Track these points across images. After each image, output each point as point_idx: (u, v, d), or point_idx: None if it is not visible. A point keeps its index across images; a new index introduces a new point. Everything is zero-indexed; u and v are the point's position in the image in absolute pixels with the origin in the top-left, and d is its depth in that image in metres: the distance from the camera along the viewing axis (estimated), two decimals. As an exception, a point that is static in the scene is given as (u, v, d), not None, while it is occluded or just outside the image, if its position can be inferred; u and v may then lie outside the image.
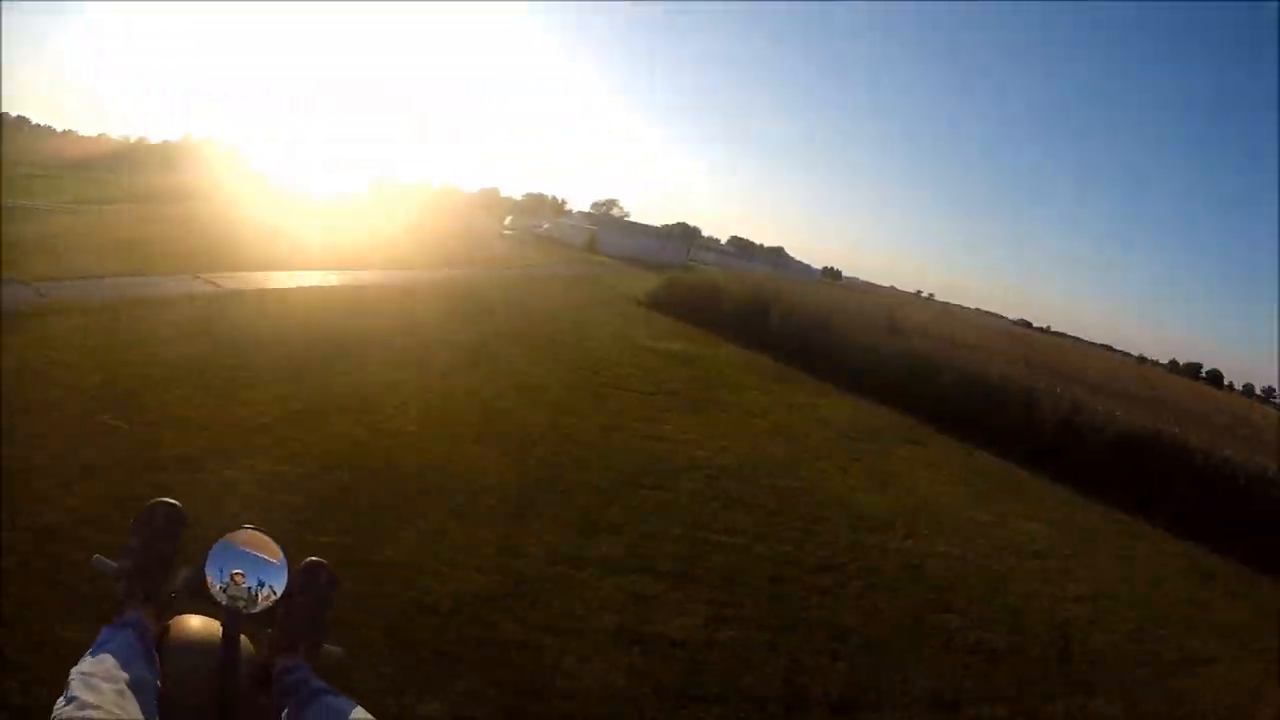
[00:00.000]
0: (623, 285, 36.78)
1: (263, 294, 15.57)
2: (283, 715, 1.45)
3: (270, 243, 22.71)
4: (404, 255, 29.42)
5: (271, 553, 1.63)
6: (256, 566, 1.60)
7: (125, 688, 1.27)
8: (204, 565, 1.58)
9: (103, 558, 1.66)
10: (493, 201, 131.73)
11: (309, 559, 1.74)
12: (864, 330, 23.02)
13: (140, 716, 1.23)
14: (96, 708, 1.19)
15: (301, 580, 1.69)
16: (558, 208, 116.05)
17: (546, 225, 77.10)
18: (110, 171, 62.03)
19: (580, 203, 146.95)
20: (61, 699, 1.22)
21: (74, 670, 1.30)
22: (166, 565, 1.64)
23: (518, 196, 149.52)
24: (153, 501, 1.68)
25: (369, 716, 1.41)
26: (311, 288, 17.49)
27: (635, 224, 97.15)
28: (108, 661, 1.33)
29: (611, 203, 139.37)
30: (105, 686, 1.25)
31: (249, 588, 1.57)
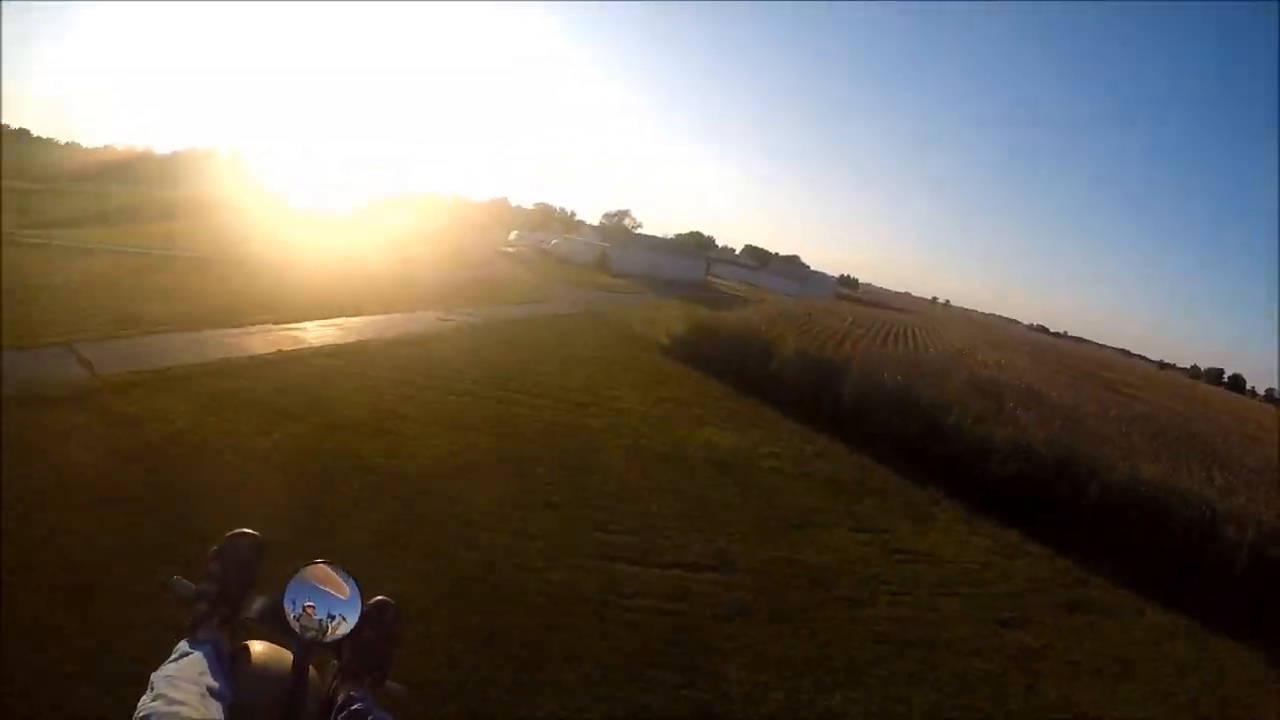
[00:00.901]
0: (639, 322, 31.31)
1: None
2: None
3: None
4: (372, 293, 24.17)
5: (341, 588, 1.69)
6: (329, 600, 1.67)
7: (206, 692, 1.38)
8: (281, 595, 1.66)
9: (181, 579, 1.79)
10: (502, 212, 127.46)
11: (378, 597, 1.85)
12: (958, 405, 17.31)
13: (220, 717, 1.32)
14: (184, 704, 1.30)
15: (371, 617, 1.78)
16: (567, 221, 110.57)
17: (555, 241, 71.56)
18: (120, 184, 59.23)
19: (590, 213, 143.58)
20: (146, 697, 1.32)
21: (156, 673, 1.42)
22: (245, 592, 1.75)
23: (528, 206, 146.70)
24: (237, 531, 1.81)
25: None
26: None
27: (648, 237, 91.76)
28: (190, 667, 1.46)
29: (623, 213, 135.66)
30: (189, 687, 1.36)
31: (320, 620, 1.66)
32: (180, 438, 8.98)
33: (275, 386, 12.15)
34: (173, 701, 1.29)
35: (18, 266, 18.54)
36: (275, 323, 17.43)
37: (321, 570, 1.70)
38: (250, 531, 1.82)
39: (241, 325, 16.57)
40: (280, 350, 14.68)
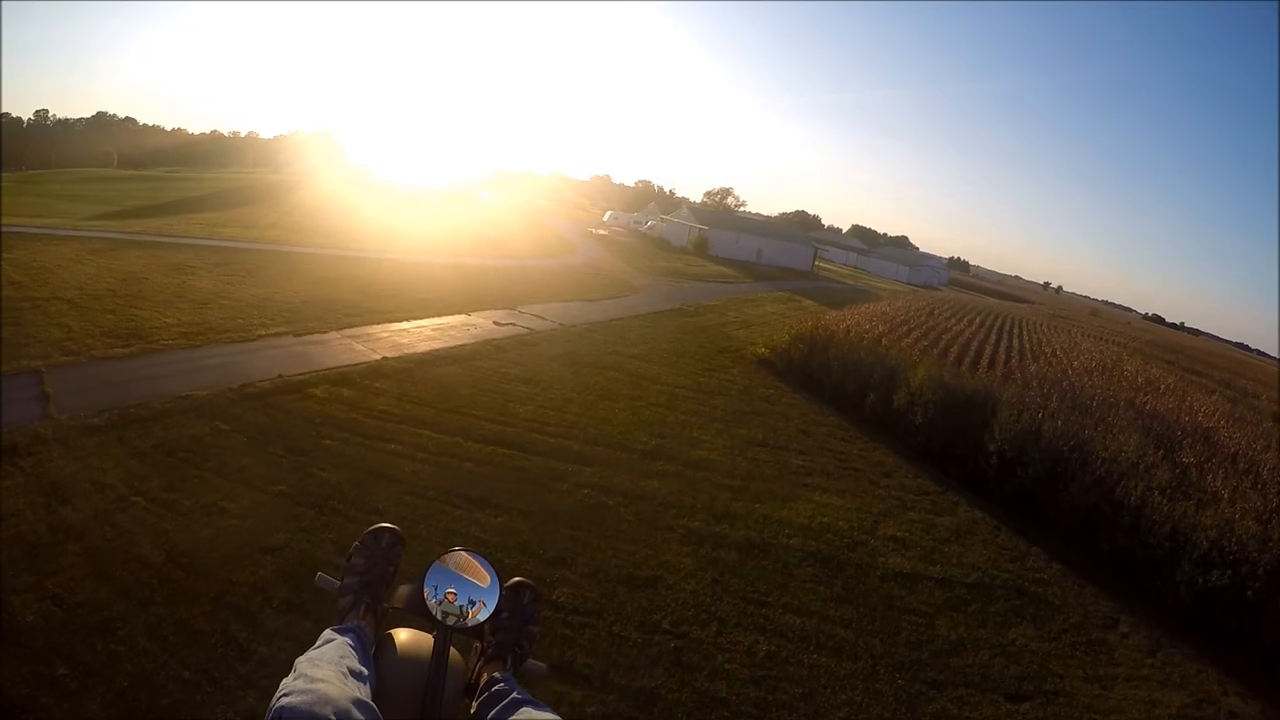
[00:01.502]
0: (736, 323, 27.94)
1: None
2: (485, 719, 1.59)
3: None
4: (436, 289, 21.69)
5: (481, 575, 1.74)
6: (468, 587, 1.72)
7: (348, 672, 1.42)
8: (421, 583, 1.71)
9: (326, 575, 1.87)
10: (604, 189, 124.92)
11: (515, 579, 1.93)
12: (1137, 463, 13.39)
13: (363, 697, 1.34)
14: (325, 681, 1.33)
15: (508, 599, 1.84)
16: (666, 200, 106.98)
17: (651, 222, 68.25)
18: (219, 167, 60.56)
19: (693, 189, 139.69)
20: (288, 678, 1.35)
21: (299, 659, 1.45)
22: (386, 582, 1.86)
23: (630, 183, 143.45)
24: (377, 525, 1.91)
25: None
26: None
27: (750, 218, 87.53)
28: (331, 650, 1.51)
29: (725, 191, 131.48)
30: (330, 668, 1.40)
31: (460, 605, 1.70)
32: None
33: (253, 430, 9.46)
34: (314, 680, 1.32)
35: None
36: (295, 334, 14.97)
37: (461, 557, 1.75)
38: (389, 525, 1.91)
39: (252, 338, 14.16)
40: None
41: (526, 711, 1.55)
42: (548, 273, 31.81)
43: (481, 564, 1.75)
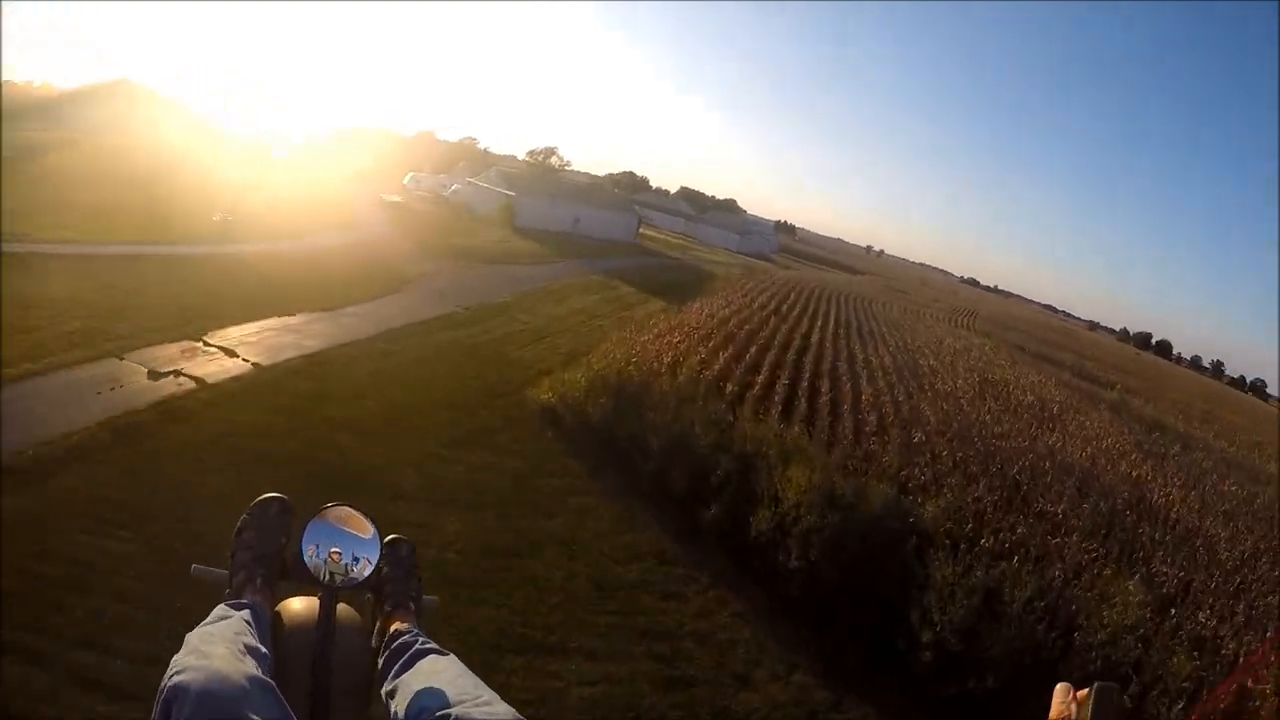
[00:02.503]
0: (528, 336, 21.51)
1: None
2: (388, 675, 1.55)
3: None
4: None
5: (361, 526, 1.68)
6: (351, 542, 1.66)
7: (244, 649, 1.34)
8: (300, 544, 1.65)
9: (202, 566, 1.78)
10: (428, 147, 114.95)
11: (390, 536, 1.84)
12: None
13: (260, 674, 1.26)
14: (219, 657, 1.26)
15: (388, 556, 1.79)
16: (480, 159, 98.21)
17: (455, 187, 60.02)
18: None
19: (519, 147, 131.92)
20: (179, 654, 1.28)
21: (190, 634, 1.37)
22: (279, 554, 1.74)
23: (455, 140, 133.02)
24: (264, 496, 1.81)
25: (467, 673, 1.50)
26: None
27: (572, 180, 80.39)
28: (225, 627, 1.43)
29: (549, 151, 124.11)
30: (223, 644, 1.32)
31: (346, 564, 1.64)
32: None
33: None
34: (206, 656, 1.27)
35: None
36: None
37: (342, 510, 1.70)
38: (278, 494, 1.83)
39: None
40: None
41: (431, 660, 1.55)
42: (296, 263, 23.97)
43: (359, 516, 1.69)
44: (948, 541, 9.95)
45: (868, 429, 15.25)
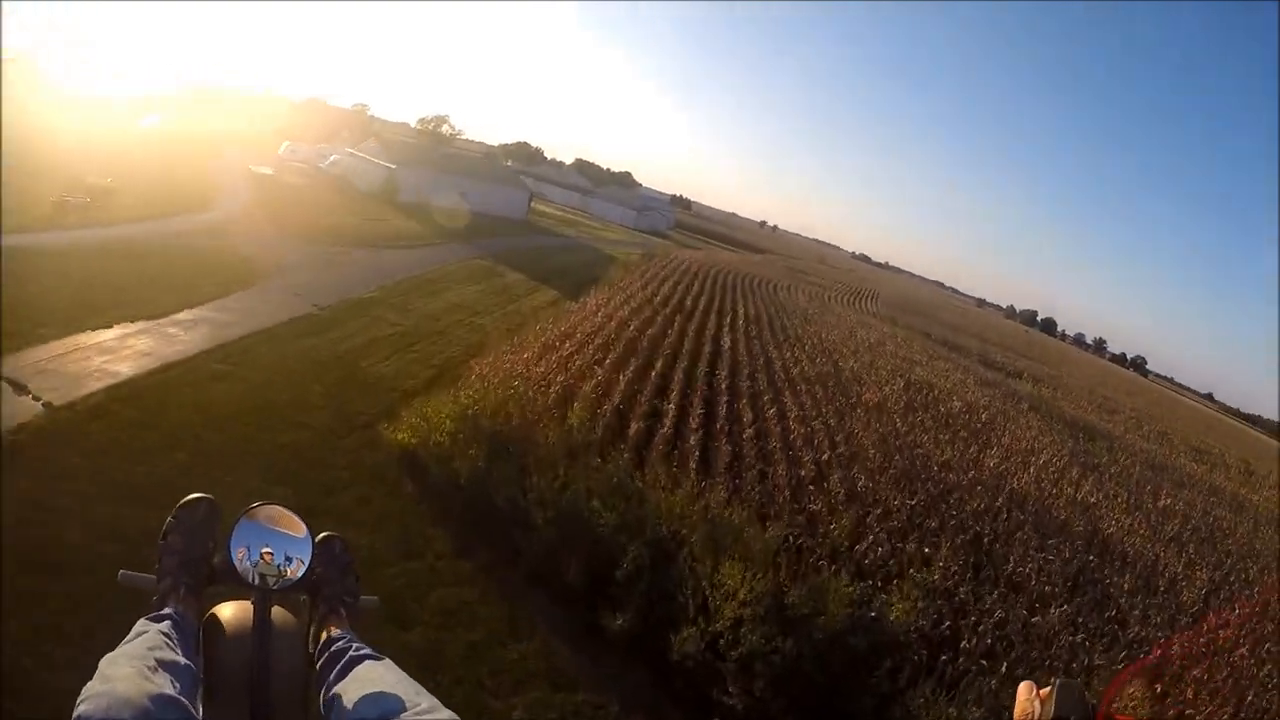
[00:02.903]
0: (398, 352, 18.76)
1: None
2: (324, 680, 1.53)
3: None
4: None
5: (293, 525, 1.64)
6: (282, 542, 1.62)
7: (157, 665, 1.29)
8: (229, 546, 1.60)
9: (130, 571, 1.68)
10: (317, 113, 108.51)
11: (321, 534, 1.77)
12: None
13: (169, 691, 1.22)
14: (122, 679, 1.21)
15: (320, 555, 1.72)
16: (364, 125, 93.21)
17: (334, 158, 56.04)
18: None
19: (415, 115, 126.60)
20: (90, 682, 1.23)
21: (103, 658, 1.31)
22: (207, 559, 1.69)
23: (347, 106, 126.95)
24: (190, 498, 1.74)
25: (404, 677, 1.47)
26: None
27: (457, 152, 76.73)
28: (138, 644, 1.36)
29: (440, 119, 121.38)
30: (129, 664, 1.27)
31: (278, 565, 1.60)
32: None
33: None
34: (108, 679, 1.22)
35: None
36: None
37: (268, 510, 1.65)
38: (204, 495, 1.77)
39: None
40: None
41: (366, 666, 1.52)
42: (132, 256, 20.60)
43: (290, 514, 1.65)
44: (924, 653, 8.26)
45: (804, 475, 13.46)
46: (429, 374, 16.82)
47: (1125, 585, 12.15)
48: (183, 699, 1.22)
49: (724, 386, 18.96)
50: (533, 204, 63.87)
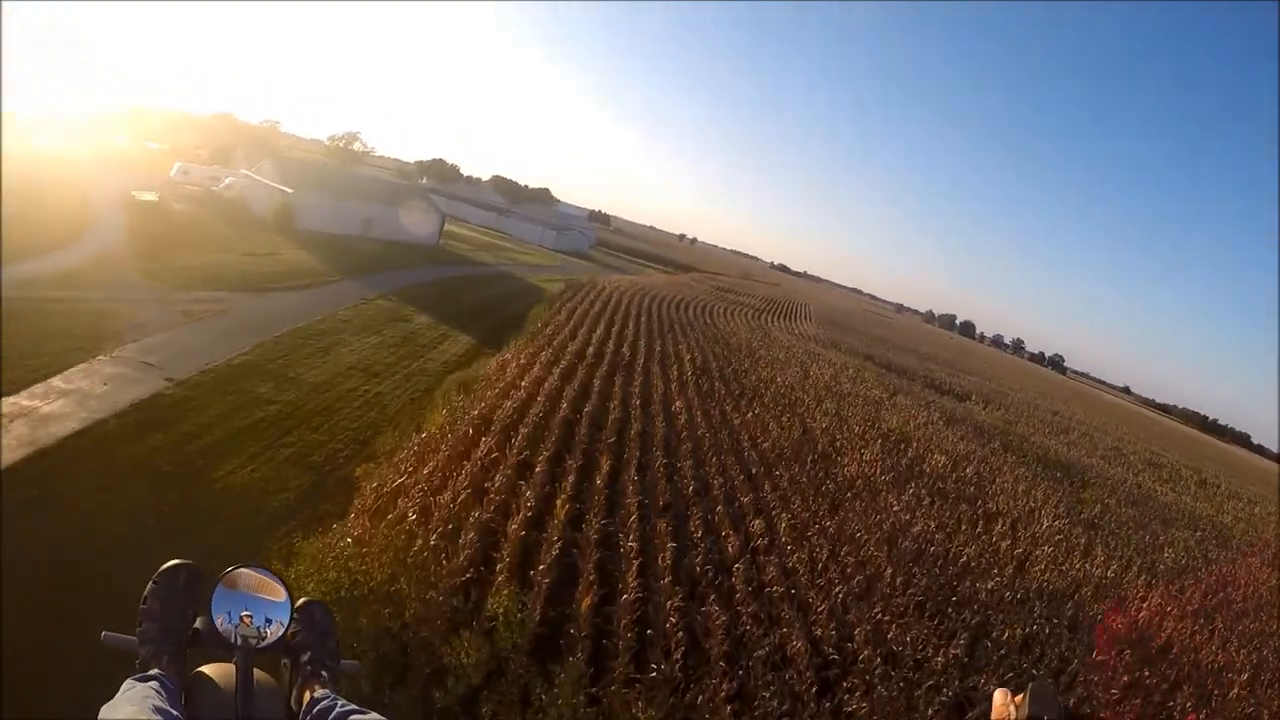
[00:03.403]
0: (257, 467, 15.40)
1: None
2: None
3: None
4: None
5: (272, 590, 1.68)
6: (261, 605, 1.65)
7: (153, 711, 1.32)
8: (210, 610, 1.63)
9: (113, 632, 1.67)
10: (226, 130, 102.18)
11: (301, 599, 1.80)
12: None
13: None
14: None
15: (300, 620, 1.76)
16: (271, 145, 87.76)
17: (229, 179, 51.41)
18: None
19: (325, 131, 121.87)
20: None
21: (103, 708, 1.33)
22: (187, 624, 1.67)
23: (314, 136, 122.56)
24: (172, 564, 1.71)
25: None
26: None
27: (363, 174, 72.41)
28: (135, 693, 1.40)
29: (351, 136, 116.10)
30: (131, 708, 1.32)
31: (258, 627, 1.64)
32: None
33: None
34: None
35: None
36: None
37: (249, 575, 1.68)
38: (185, 561, 1.73)
39: None
40: None
41: None
42: None
43: (269, 578, 1.69)
44: None
45: (821, 635, 10.54)
46: (305, 482, 13.57)
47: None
48: None
49: (691, 491, 15.68)
50: (446, 227, 60.11)
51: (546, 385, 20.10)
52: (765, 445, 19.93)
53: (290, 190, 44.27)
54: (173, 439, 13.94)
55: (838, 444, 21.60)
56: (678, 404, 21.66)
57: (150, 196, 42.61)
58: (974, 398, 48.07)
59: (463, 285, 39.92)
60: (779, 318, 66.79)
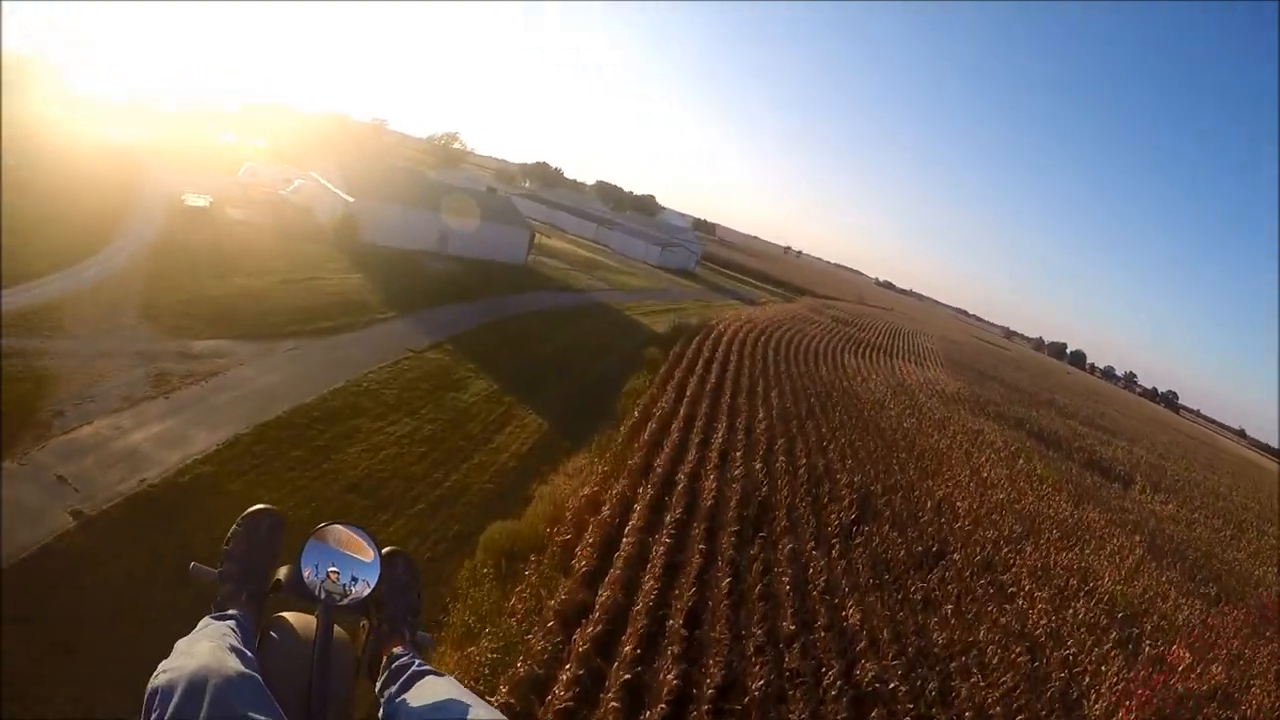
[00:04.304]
0: None
1: None
2: (386, 696, 1.52)
3: None
4: None
5: (363, 550, 1.65)
6: (349, 563, 1.63)
7: (229, 649, 1.35)
8: (299, 562, 1.60)
9: (200, 565, 1.74)
10: (377, 136, 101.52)
11: (387, 548, 1.75)
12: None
13: (244, 668, 1.27)
14: (203, 654, 1.28)
15: (384, 571, 1.70)
16: (377, 141, 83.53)
17: (299, 182, 45.77)
18: None
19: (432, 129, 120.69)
20: (165, 660, 1.30)
21: (178, 641, 1.39)
22: (267, 568, 1.72)
23: (422, 135, 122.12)
24: (256, 508, 1.77)
25: (466, 693, 1.45)
26: None
27: (449, 179, 66.46)
28: (211, 630, 1.45)
29: (450, 137, 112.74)
30: (208, 643, 1.35)
31: (343, 584, 1.61)
32: None
33: None
34: (190, 654, 1.29)
35: None
36: None
37: (341, 532, 1.66)
38: (268, 507, 1.79)
39: None
40: None
41: (430, 681, 1.51)
42: None
43: (361, 537, 1.66)
44: None
45: None
46: None
47: None
48: (257, 677, 1.27)
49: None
50: (540, 239, 53.31)
51: (652, 567, 12.61)
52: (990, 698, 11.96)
53: (351, 199, 37.97)
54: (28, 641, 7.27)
55: (1074, 663, 13.56)
56: (850, 613, 13.69)
57: (201, 202, 36.97)
58: (1138, 480, 39.03)
59: (546, 324, 32.59)
60: (909, 360, 58.79)
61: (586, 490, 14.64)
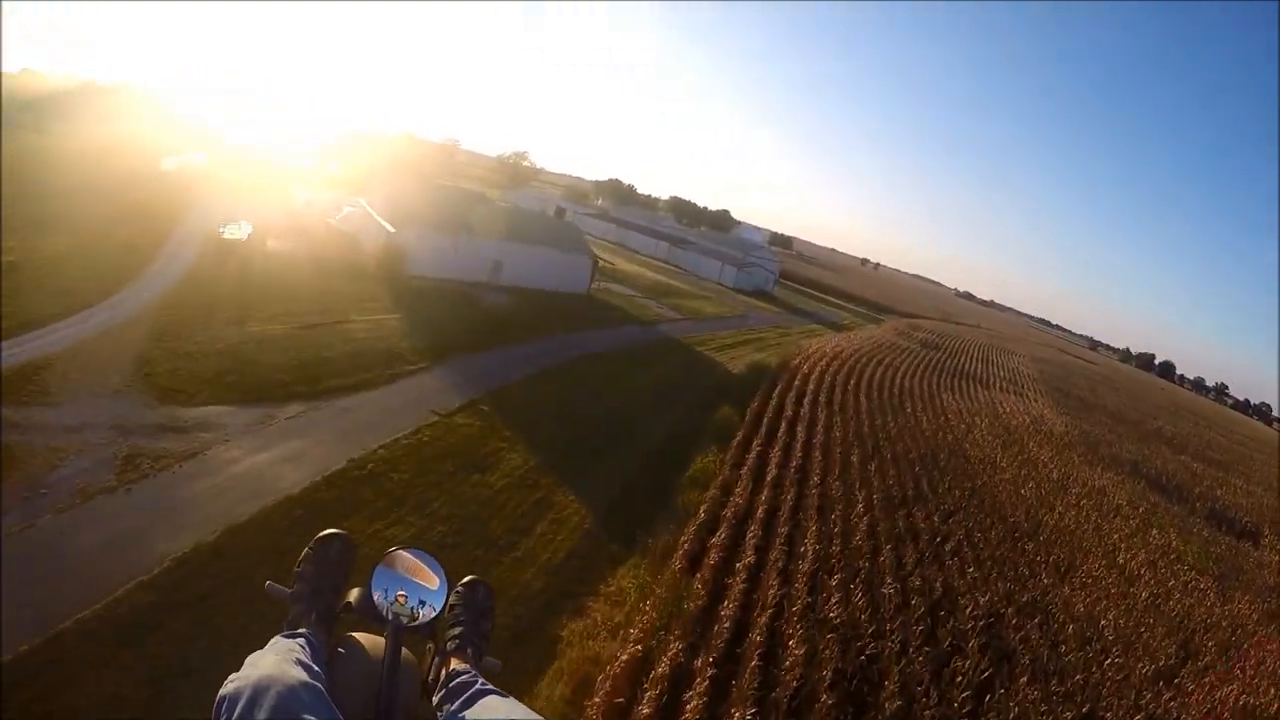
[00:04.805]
0: None
1: None
2: (445, 712, 1.56)
3: None
4: None
5: (428, 576, 1.73)
6: (416, 589, 1.71)
7: (296, 662, 1.40)
8: (369, 586, 1.70)
9: (275, 584, 1.81)
10: (449, 157, 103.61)
11: (469, 577, 1.90)
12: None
13: (309, 679, 1.33)
14: (270, 666, 1.34)
15: (463, 595, 1.86)
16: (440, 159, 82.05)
17: (349, 209, 43.37)
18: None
19: (503, 149, 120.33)
20: (235, 672, 1.34)
21: (249, 655, 1.43)
22: (337, 590, 1.78)
23: (492, 154, 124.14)
24: (327, 532, 1.84)
25: (529, 712, 1.48)
26: None
27: (491, 206, 64.08)
28: (280, 645, 1.51)
29: (519, 156, 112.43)
30: (275, 656, 1.41)
31: (411, 607, 1.69)
32: None
33: None
34: (256, 665, 1.33)
35: None
36: None
37: (407, 559, 1.73)
38: (339, 532, 1.84)
39: None
40: None
41: (492, 700, 1.54)
42: None
43: (428, 564, 1.74)
44: None
45: None
46: None
47: None
48: (321, 688, 1.32)
49: None
50: (606, 263, 49.84)
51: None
52: None
53: (393, 228, 35.01)
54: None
55: None
56: None
57: (239, 233, 34.62)
58: (1265, 535, 33.36)
59: (603, 370, 28.69)
60: (1008, 390, 53.90)
61: (626, 654, 10.72)
